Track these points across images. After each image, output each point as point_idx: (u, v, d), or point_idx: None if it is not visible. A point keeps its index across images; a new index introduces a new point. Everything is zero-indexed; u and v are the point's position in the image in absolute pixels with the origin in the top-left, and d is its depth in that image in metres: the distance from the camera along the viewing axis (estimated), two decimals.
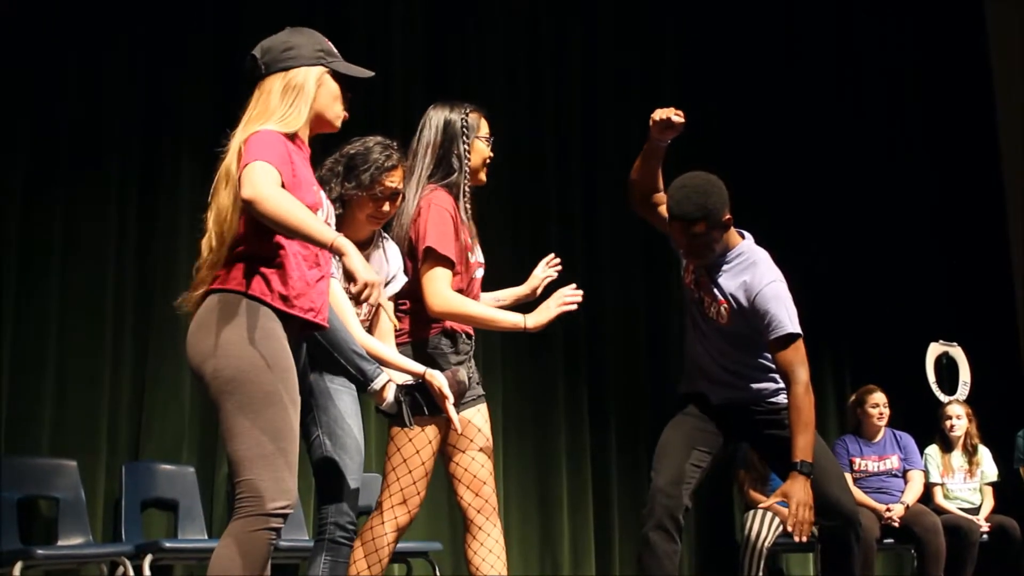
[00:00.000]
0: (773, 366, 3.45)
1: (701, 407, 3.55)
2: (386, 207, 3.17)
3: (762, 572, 6.01)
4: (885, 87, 7.98)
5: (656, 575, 3.30)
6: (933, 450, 6.60)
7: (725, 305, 3.46)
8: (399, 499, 3.22)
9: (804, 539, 3.34)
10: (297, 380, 2.53)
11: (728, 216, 3.42)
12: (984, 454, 6.58)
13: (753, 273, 3.44)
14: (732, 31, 7.45)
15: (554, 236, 6.56)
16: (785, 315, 3.39)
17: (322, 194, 2.67)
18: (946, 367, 7.36)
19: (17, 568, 4.38)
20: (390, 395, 2.93)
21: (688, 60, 7.28)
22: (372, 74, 2.70)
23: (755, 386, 3.50)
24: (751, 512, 6.05)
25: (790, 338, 3.38)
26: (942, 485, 6.51)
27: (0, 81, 5.10)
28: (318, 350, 2.87)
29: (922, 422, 6.90)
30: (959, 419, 6.57)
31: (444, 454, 3.34)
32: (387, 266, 3.26)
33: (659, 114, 3.38)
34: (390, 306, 3.03)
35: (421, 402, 2.97)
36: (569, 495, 6.38)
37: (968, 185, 7.99)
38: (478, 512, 3.30)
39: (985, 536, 6.23)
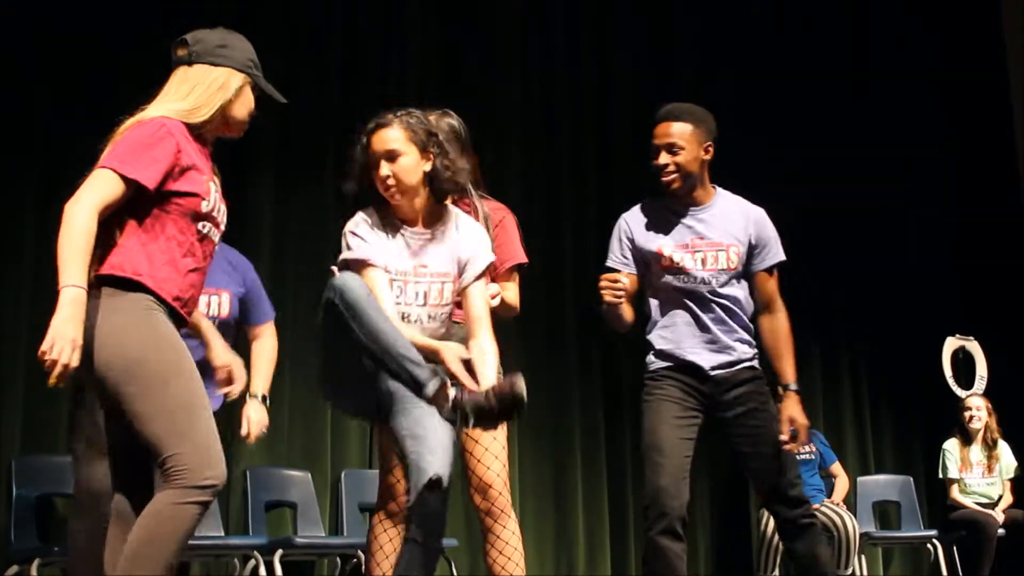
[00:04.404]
0: (752, 327, 3.58)
1: (677, 384, 3.48)
2: (383, 171, 3.01)
3: (778, 568, 5.99)
4: (900, 81, 7.94)
5: None
6: (952, 444, 6.58)
7: (735, 247, 3.50)
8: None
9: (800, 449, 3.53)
10: (188, 351, 2.46)
11: (710, 145, 3.49)
12: (1004, 449, 6.56)
13: (742, 206, 3.58)
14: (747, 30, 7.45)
15: (567, 230, 6.56)
16: (778, 242, 3.60)
17: (212, 186, 2.59)
18: (963, 362, 7.33)
19: (35, 566, 4.40)
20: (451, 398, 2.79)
21: (702, 62, 7.26)
22: (285, 101, 2.73)
23: (740, 348, 3.52)
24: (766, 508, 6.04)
25: (780, 266, 3.58)
26: (959, 480, 6.49)
27: (10, 84, 5.13)
28: (376, 359, 2.79)
29: (940, 418, 6.90)
30: (979, 411, 6.56)
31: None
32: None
33: (608, 297, 3.30)
34: None
35: (489, 414, 2.79)
36: (584, 491, 6.37)
37: (984, 178, 7.95)
38: (486, 515, 3.34)
39: (1002, 531, 6.21)
